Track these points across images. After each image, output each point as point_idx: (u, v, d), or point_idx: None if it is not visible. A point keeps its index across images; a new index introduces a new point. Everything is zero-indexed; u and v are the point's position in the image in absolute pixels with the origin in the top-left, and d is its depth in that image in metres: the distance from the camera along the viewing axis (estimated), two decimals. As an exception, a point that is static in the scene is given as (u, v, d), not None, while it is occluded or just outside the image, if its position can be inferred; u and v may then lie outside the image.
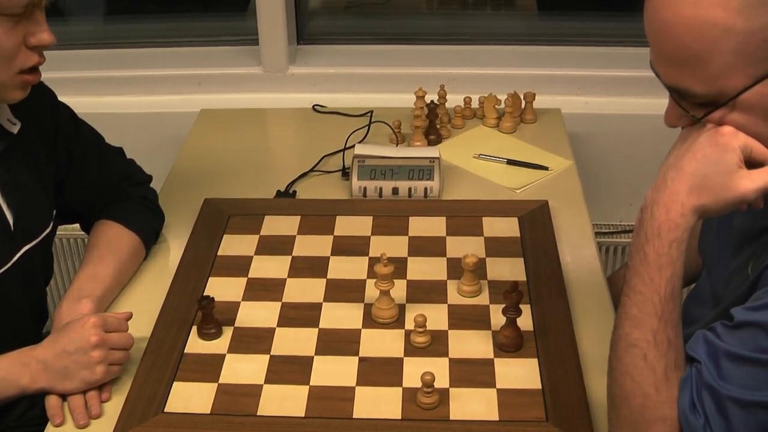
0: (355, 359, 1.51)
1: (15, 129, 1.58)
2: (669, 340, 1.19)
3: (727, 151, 1.17)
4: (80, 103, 1.78)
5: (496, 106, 2.23)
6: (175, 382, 1.48)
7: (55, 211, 1.70)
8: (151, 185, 1.87)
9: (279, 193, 1.98)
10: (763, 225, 1.29)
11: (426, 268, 1.72)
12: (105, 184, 1.78)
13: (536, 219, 1.84)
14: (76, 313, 1.55)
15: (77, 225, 1.84)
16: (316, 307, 1.63)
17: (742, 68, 1.12)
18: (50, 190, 1.69)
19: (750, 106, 1.15)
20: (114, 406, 1.45)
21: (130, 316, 1.55)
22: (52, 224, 1.68)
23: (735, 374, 1.14)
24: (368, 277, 1.70)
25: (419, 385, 1.40)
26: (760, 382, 1.12)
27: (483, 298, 1.64)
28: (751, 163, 1.18)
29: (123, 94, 2.56)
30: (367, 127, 2.22)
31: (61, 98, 1.72)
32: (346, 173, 2.03)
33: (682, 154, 1.20)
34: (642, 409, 1.20)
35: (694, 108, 1.20)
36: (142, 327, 1.59)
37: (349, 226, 1.86)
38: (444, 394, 1.43)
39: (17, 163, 1.59)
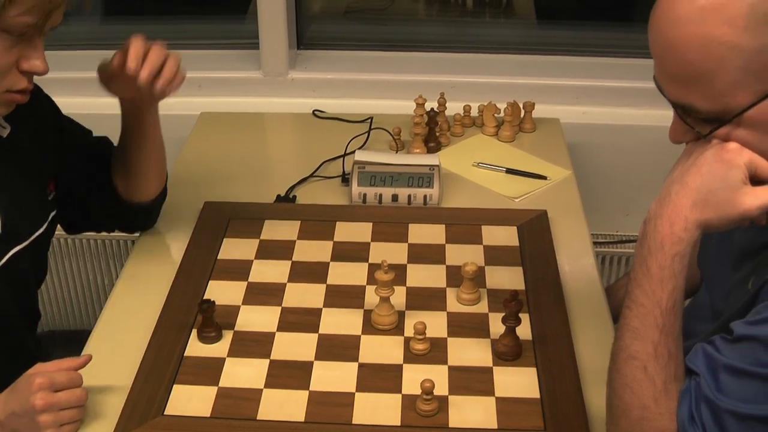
0: (355, 365, 1.52)
1: (5, 133, 1.59)
2: (670, 352, 1.20)
3: (732, 167, 1.18)
4: (79, 104, 1.79)
5: (496, 115, 2.24)
6: (175, 385, 1.48)
7: (52, 214, 1.70)
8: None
9: (279, 198, 1.99)
10: (764, 241, 1.29)
11: (425, 276, 1.73)
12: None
13: (535, 228, 1.85)
14: None
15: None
16: (315, 313, 1.64)
17: (748, 85, 1.13)
18: (46, 191, 1.69)
19: (755, 122, 1.16)
20: (114, 407, 1.45)
21: (87, 361, 1.45)
22: (46, 226, 1.67)
23: (733, 387, 1.15)
24: (368, 283, 1.70)
25: (419, 392, 1.41)
26: (758, 396, 1.13)
27: (482, 306, 1.65)
28: (756, 180, 1.19)
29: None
30: (367, 134, 2.22)
31: (60, 98, 1.73)
32: (346, 179, 2.03)
33: (687, 169, 1.21)
34: (641, 421, 1.21)
35: (699, 124, 1.20)
36: (142, 329, 1.60)
37: (349, 231, 1.86)
38: (443, 401, 1.44)
39: (7, 166, 1.59)
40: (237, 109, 2.45)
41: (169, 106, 2.49)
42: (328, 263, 1.77)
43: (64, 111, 1.78)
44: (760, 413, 1.13)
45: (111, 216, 1.84)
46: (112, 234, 1.93)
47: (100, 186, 1.78)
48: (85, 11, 2.88)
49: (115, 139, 1.81)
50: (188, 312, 1.63)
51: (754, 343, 1.15)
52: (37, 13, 1.40)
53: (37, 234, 1.65)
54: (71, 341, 1.79)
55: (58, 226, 1.77)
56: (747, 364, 1.14)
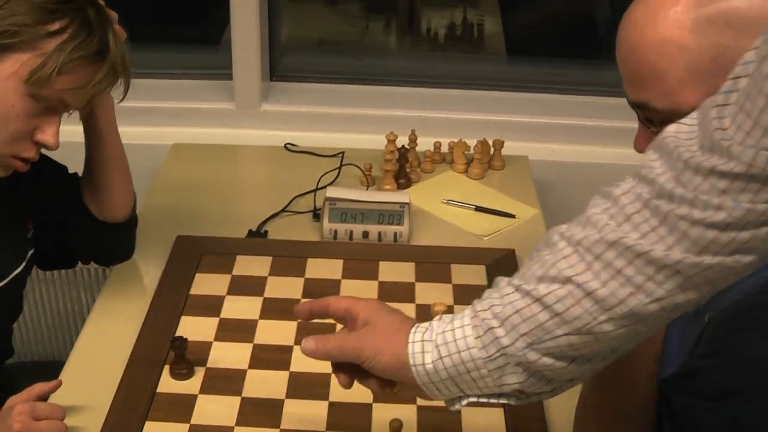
0: (326, 403, 1.54)
1: None
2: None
3: None
4: None
5: (465, 152, 2.28)
6: (147, 422, 1.49)
7: (30, 252, 1.71)
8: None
9: (251, 233, 2.01)
10: None
11: (395, 314, 1.75)
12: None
13: (503, 268, 1.88)
14: None
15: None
16: (287, 350, 1.66)
17: (695, 85, 1.20)
18: (23, 229, 1.70)
19: None
20: (86, 444, 1.46)
21: (57, 386, 1.51)
22: (24, 264, 1.69)
23: None
24: (338, 322, 1.72)
25: (388, 431, 1.43)
26: None
27: (450, 346, 1.67)
28: None
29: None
30: (338, 169, 2.25)
31: None
32: (317, 214, 2.06)
33: None
34: None
35: (655, 125, 1.27)
36: (114, 364, 1.61)
37: (319, 269, 1.89)
38: (412, 441, 1.46)
39: None
40: (209, 140, 2.46)
41: (140, 136, 2.52)
42: (300, 300, 1.79)
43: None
44: None
45: (87, 244, 1.84)
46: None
47: (74, 212, 1.79)
48: None
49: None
50: (160, 347, 1.64)
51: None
52: (80, 95, 1.47)
53: (15, 273, 1.66)
54: (41, 372, 1.79)
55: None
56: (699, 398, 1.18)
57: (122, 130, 2.49)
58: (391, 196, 2.03)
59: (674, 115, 1.23)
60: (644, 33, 1.23)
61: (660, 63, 1.21)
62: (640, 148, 1.34)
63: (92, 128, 1.74)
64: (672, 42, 1.20)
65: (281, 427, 1.49)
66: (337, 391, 1.54)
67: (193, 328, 1.70)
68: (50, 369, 1.68)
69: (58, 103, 1.46)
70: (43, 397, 1.51)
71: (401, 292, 1.82)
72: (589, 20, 2.90)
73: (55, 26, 1.42)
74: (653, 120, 1.27)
